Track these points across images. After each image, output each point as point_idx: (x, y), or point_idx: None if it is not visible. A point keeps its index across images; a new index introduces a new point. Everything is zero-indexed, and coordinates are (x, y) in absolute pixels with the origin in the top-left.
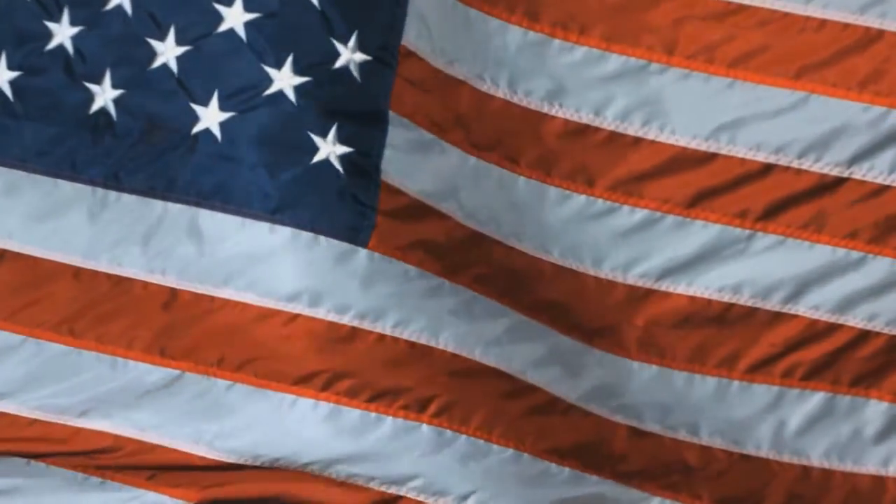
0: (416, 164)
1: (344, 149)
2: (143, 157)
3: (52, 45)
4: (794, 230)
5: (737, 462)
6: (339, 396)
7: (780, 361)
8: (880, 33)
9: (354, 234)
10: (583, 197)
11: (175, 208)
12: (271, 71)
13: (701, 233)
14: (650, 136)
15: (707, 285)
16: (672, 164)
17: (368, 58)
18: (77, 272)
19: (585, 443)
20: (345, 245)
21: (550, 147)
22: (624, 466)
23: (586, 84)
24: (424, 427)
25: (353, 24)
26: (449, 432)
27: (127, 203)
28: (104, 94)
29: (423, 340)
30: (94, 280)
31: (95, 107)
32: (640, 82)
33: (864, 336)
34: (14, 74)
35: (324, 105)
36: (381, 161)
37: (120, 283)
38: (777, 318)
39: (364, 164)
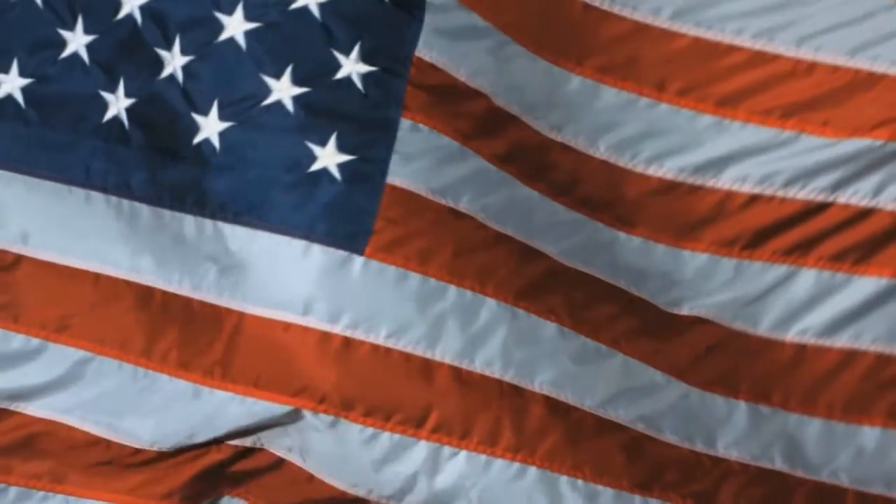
0: (430, 167)
1: (344, 157)
2: (153, 166)
3: (66, 53)
4: (779, 256)
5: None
6: (337, 410)
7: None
8: (871, 75)
9: (350, 241)
10: None
11: (186, 219)
12: (270, 81)
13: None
14: (639, 169)
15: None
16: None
17: (374, 68)
18: (96, 277)
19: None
20: (340, 252)
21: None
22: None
23: (587, 113)
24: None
25: (356, 36)
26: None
27: (139, 212)
28: (118, 104)
29: (419, 352)
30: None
31: (109, 115)
32: (632, 114)
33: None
34: (26, 81)
35: (323, 115)
36: (387, 167)
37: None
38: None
39: (367, 170)
